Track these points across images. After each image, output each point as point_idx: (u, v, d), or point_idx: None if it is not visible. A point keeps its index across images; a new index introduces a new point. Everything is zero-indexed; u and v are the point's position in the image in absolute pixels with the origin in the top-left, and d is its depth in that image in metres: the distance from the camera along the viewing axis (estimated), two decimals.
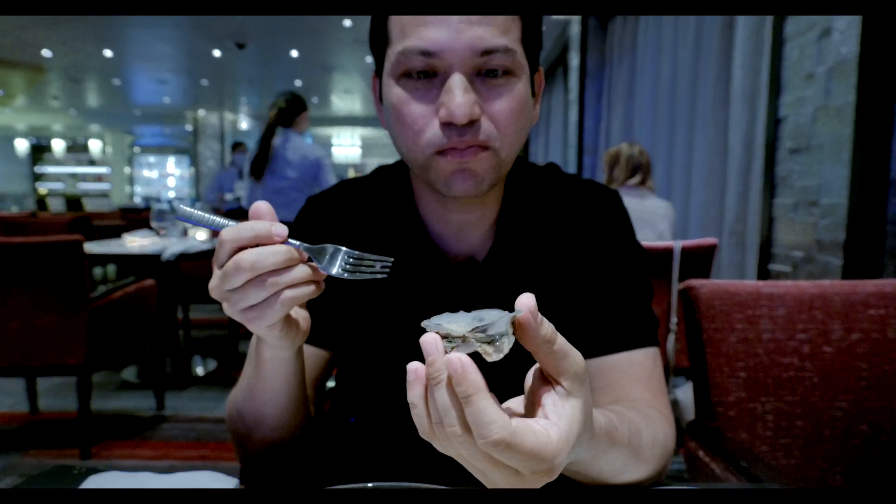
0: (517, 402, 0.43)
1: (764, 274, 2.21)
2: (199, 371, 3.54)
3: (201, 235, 3.25)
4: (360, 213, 0.77)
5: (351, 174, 14.52)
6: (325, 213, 0.78)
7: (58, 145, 16.32)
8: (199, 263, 3.25)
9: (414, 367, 0.38)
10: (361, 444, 0.77)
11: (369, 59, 7.42)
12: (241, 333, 4.03)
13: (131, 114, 13.95)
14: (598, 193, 0.78)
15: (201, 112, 13.88)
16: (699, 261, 2.16)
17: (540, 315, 0.37)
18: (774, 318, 0.99)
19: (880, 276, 1.68)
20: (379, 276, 0.50)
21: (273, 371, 0.61)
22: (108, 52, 8.12)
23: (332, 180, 3.46)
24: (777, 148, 2.14)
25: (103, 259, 2.94)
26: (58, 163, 16.41)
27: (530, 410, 0.41)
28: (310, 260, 0.49)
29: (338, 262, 0.50)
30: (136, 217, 5.57)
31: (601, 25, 5.24)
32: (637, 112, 4.36)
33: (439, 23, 0.57)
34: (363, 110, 13.36)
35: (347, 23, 6.68)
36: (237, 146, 7.36)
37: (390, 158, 0.83)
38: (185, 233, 3.28)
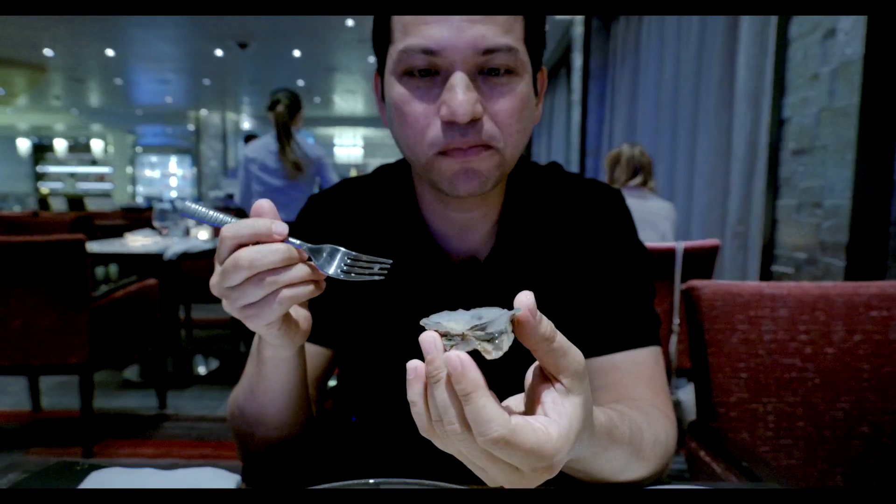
0: (517, 400, 0.43)
1: (766, 275, 2.20)
2: (201, 370, 3.55)
3: (203, 235, 3.26)
4: (362, 213, 0.77)
5: (353, 174, 14.50)
6: (326, 212, 0.78)
7: (60, 145, 16.37)
8: (200, 263, 3.26)
9: (413, 365, 0.38)
10: (363, 442, 0.77)
11: (371, 59, 7.42)
12: (242, 333, 4.04)
13: (133, 113, 13.99)
14: (600, 192, 0.77)
15: (203, 112, 13.91)
16: (702, 262, 2.16)
17: (539, 313, 0.37)
18: (776, 319, 0.99)
19: (883, 277, 1.67)
20: (377, 277, 0.50)
21: (274, 370, 0.61)
22: (110, 52, 8.15)
23: (333, 179, 3.47)
24: (780, 149, 2.13)
25: (105, 258, 2.95)
26: (60, 162, 16.45)
27: (530, 408, 0.41)
28: (309, 259, 0.49)
29: (336, 263, 0.49)
30: (139, 217, 5.58)
31: (604, 26, 5.24)
32: (640, 113, 4.35)
33: (441, 21, 0.57)
34: (365, 110, 13.38)
35: (350, 23, 6.70)
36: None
37: (392, 158, 0.83)
38: (187, 232, 3.28)
